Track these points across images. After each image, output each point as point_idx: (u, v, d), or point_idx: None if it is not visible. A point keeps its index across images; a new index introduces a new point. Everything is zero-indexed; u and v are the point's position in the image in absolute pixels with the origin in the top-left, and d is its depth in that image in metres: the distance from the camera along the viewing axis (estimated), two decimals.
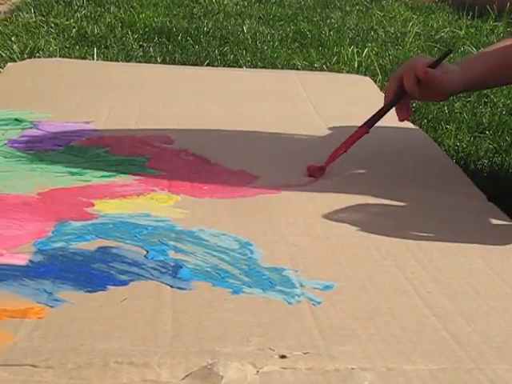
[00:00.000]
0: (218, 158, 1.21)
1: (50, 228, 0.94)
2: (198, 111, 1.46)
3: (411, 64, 1.19)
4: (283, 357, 0.71)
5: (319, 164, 1.17)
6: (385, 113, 1.20)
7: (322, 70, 2.00)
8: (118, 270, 0.85)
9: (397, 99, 1.18)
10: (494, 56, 1.27)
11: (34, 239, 0.90)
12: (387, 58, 2.16)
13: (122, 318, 0.75)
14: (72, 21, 2.40)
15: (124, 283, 0.82)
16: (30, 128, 1.29)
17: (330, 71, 1.98)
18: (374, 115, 1.20)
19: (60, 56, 1.97)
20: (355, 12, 2.92)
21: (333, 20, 2.71)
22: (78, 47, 2.09)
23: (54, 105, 1.43)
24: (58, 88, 1.56)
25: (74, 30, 2.27)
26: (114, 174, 1.12)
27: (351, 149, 1.17)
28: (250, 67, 1.98)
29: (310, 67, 2.03)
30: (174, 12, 2.66)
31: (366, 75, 1.91)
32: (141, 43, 2.20)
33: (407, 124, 1.45)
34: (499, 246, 0.97)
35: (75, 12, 2.53)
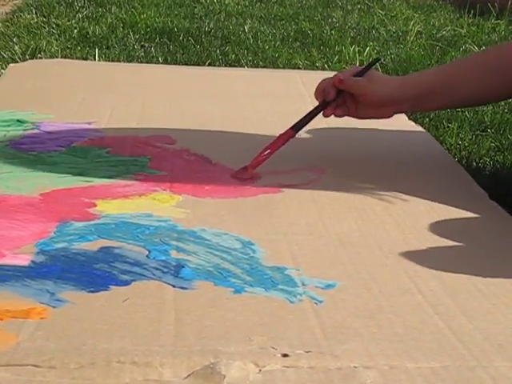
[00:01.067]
0: (220, 157, 1.21)
1: (52, 228, 0.94)
2: (200, 111, 1.46)
3: (337, 74, 1.19)
4: (285, 355, 0.71)
5: (243, 166, 1.15)
6: (312, 118, 1.20)
7: (323, 69, 2.00)
8: (120, 270, 0.85)
9: (320, 109, 1.19)
10: (454, 64, 1.25)
11: (36, 240, 0.91)
12: (389, 57, 2.16)
13: (124, 317, 0.75)
14: (73, 21, 2.40)
15: (126, 283, 0.82)
16: (32, 129, 1.30)
17: (332, 70, 1.97)
18: (301, 119, 1.19)
19: (62, 57, 1.97)
20: (356, 11, 2.92)
21: (334, 19, 2.71)
22: (79, 48, 2.10)
23: (55, 106, 1.43)
24: (60, 89, 1.56)
25: (76, 30, 2.28)
26: (116, 174, 1.12)
27: (347, 149, 1.16)
28: (252, 67, 1.99)
29: (312, 66, 2.03)
30: (176, 12, 2.66)
31: None
32: (142, 43, 2.20)
33: (409, 122, 1.45)
34: (501, 245, 0.97)
35: (77, 13, 2.54)
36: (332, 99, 1.17)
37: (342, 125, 1.40)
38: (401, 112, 1.26)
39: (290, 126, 1.18)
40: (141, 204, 1.03)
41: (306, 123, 1.19)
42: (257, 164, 1.14)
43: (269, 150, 1.15)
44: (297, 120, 1.19)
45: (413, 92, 1.17)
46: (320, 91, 1.19)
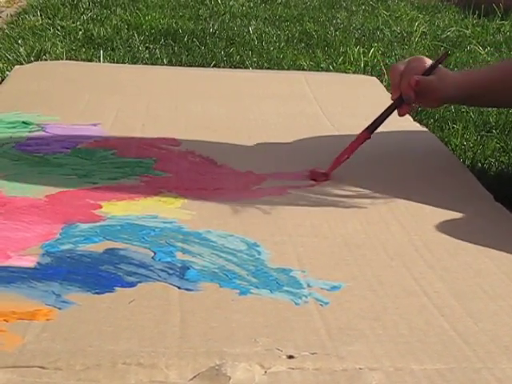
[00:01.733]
0: (225, 159, 1.21)
1: (57, 230, 0.94)
2: (205, 113, 1.46)
3: (409, 69, 1.19)
4: (291, 357, 0.71)
5: (322, 170, 1.16)
6: (386, 117, 1.20)
7: (328, 70, 2.00)
8: (125, 271, 0.85)
9: (396, 106, 1.20)
10: (498, 68, 1.28)
11: (41, 241, 0.91)
12: (393, 58, 2.16)
13: (129, 319, 0.75)
14: (78, 23, 2.40)
15: (132, 285, 0.82)
16: (38, 131, 1.30)
17: (336, 71, 1.98)
18: (375, 120, 1.20)
19: (66, 58, 1.97)
20: (361, 12, 2.92)
21: (339, 20, 2.71)
22: (84, 49, 2.10)
23: (61, 107, 1.44)
24: (65, 90, 1.56)
25: (81, 32, 2.28)
26: (122, 175, 1.13)
27: (355, 153, 1.17)
28: (257, 68, 1.99)
29: (316, 68, 2.03)
30: (180, 13, 2.66)
31: (372, 75, 1.91)
32: (147, 45, 2.20)
33: (413, 124, 1.45)
34: (507, 246, 0.97)
35: (81, 14, 2.54)
36: (412, 100, 1.19)
37: (347, 126, 1.40)
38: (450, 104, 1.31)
39: (365, 128, 1.19)
40: (146, 205, 1.03)
41: (381, 123, 1.20)
42: (334, 169, 1.16)
43: (346, 156, 1.17)
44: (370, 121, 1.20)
45: (467, 93, 1.22)
46: (396, 87, 1.20)
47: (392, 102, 1.21)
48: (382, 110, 1.21)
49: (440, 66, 1.21)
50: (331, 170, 1.16)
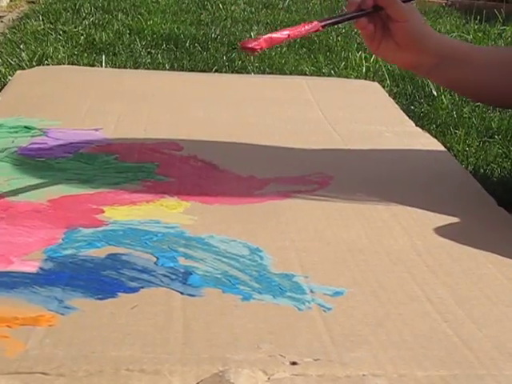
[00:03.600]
0: (227, 164, 1.21)
1: (60, 235, 0.94)
2: (207, 118, 1.46)
3: None
4: (294, 363, 0.70)
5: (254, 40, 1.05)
6: (344, 21, 1.16)
7: (330, 75, 2.00)
8: (128, 276, 0.85)
9: (356, 15, 1.12)
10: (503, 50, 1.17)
11: (44, 246, 0.91)
12: (396, 64, 2.15)
13: (132, 325, 0.75)
14: (80, 28, 2.41)
15: (134, 290, 0.82)
16: (40, 135, 1.30)
17: (338, 77, 1.98)
18: (332, 17, 1.14)
19: (68, 63, 1.97)
20: None
21: (340, 25, 2.71)
22: (86, 54, 2.10)
23: (63, 112, 1.44)
24: (67, 95, 1.56)
25: (83, 37, 2.28)
26: (124, 180, 1.13)
27: (354, 155, 1.14)
28: (258, 73, 1.99)
29: (318, 73, 2.03)
30: (182, 18, 2.67)
31: (374, 80, 1.91)
32: (149, 50, 2.20)
33: (416, 129, 1.45)
34: (510, 251, 0.97)
35: (83, 19, 2.54)
36: (368, 9, 1.10)
37: (349, 131, 1.40)
38: (417, 71, 1.19)
39: (321, 20, 1.11)
40: (148, 210, 1.03)
41: (336, 23, 1.14)
42: (270, 40, 1.06)
43: (288, 32, 1.08)
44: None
45: (437, 48, 1.12)
46: (353, 3, 1.11)
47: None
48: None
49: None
50: (266, 42, 1.05)
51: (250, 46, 1.03)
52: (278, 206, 1.07)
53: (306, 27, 1.09)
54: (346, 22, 1.16)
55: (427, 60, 1.13)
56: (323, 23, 1.11)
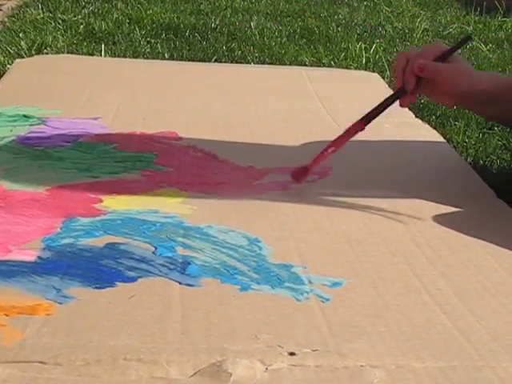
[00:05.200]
0: (226, 154, 1.21)
1: (58, 224, 0.94)
2: (206, 107, 1.46)
3: (419, 53, 1.07)
4: (292, 354, 0.70)
5: (302, 165, 1.09)
6: (385, 108, 1.09)
7: (329, 66, 2.00)
8: (126, 266, 0.84)
9: (398, 96, 1.09)
10: None
11: (42, 235, 0.90)
12: (395, 54, 2.15)
13: (130, 314, 0.75)
14: (79, 17, 2.40)
15: (132, 280, 0.82)
16: (38, 124, 1.29)
17: (338, 67, 1.97)
18: (372, 110, 1.09)
19: (68, 52, 1.97)
20: (363, 8, 2.92)
21: (340, 16, 2.71)
22: (85, 43, 2.09)
23: (62, 101, 1.43)
24: (66, 84, 1.56)
25: (82, 26, 2.27)
26: (123, 170, 1.12)
27: (354, 147, 1.12)
28: (258, 63, 1.98)
29: (318, 63, 2.02)
30: (182, 8, 2.66)
31: (373, 71, 1.91)
32: (148, 39, 2.20)
33: (415, 120, 1.45)
34: (509, 243, 0.96)
35: (83, 8, 2.53)
36: (412, 89, 1.07)
37: (349, 121, 1.40)
38: (464, 107, 1.19)
39: (359, 118, 1.07)
40: (147, 200, 1.03)
41: (378, 114, 1.09)
42: (318, 162, 1.07)
43: (333, 148, 1.07)
44: (366, 112, 1.09)
45: (484, 88, 1.09)
46: (400, 74, 1.07)
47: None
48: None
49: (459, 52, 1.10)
50: (314, 165, 1.08)
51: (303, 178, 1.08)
52: (277, 197, 1.06)
53: (350, 132, 1.07)
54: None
55: (474, 104, 1.13)
56: (366, 119, 1.08)
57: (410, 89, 1.07)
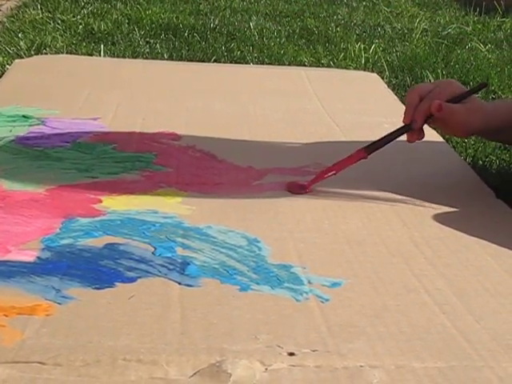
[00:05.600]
0: (226, 154, 1.21)
1: (57, 224, 0.94)
2: (205, 108, 1.46)
3: (434, 92, 1.09)
4: (292, 354, 0.70)
5: (301, 182, 1.10)
6: (390, 141, 1.11)
7: (329, 66, 2.00)
8: (125, 266, 0.84)
9: (402, 133, 1.10)
10: None
11: (41, 236, 0.90)
12: (394, 55, 2.15)
13: (129, 315, 0.75)
14: (79, 17, 2.40)
15: (132, 280, 0.82)
16: (38, 124, 1.29)
17: (337, 68, 1.97)
18: (376, 141, 1.11)
19: (67, 52, 1.96)
20: (362, 8, 2.92)
21: (339, 16, 2.71)
22: (84, 44, 2.09)
23: (61, 101, 1.43)
24: (65, 84, 1.56)
25: (81, 26, 2.27)
26: (122, 170, 1.12)
27: (352, 147, 1.13)
28: (257, 64, 1.98)
29: (317, 63, 2.02)
30: (181, 8, 2.66)
31: (373, 71, 1.91)
32: (147, 39, 2.19)
33: None
34: (508, 243, 0.97)
35: (82, 8, 2.53)
36: (419, 128, 1.09)
37: (348, 122, 1.40)
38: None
39: (363, 147, 1.10)
40: (146, 200, 1.03)
41: (382, 146, 1.10)
42: (316, 182, 1.09)
43: (334, 172, 1.08)
44: (372, 141, 1.11)
45: (500, 120, 1.12)
46: (410, 111, 1.09)
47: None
48: (389, 132, 1.12)
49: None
50: (311, 184, 1.09)
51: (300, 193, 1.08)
52: (276, 197, 1.07)
53: (352, 159, 1.09)
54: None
55: (489, 135, 1.18)
56: (369, 149, 1.09)
57: (416, 128, 1.09)
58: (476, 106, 1.10)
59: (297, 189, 1.09)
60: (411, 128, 1.09)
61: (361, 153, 1.09)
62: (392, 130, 1.11)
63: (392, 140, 1.11)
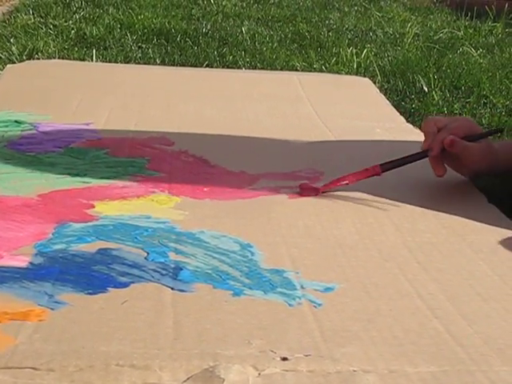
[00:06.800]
0: (218, 159, 1.21)
1: (50, 230, 0.93)
2: (198, 112, 1.46)
3: (453, 126, 1.12)
4: (285, 359, 0.70)
5: (315, 185, 1.11)
6: (408, 163, 1.14)
7: (321, 71, 2.00)
8: (118, 271, 0.84)
9: (419, 158, 1.13)
10: None
11: (34, 241, 0.90)
12: (386, 59, 2.16)
13: (122, 320, 0.75)
14: (71, 22, 2.40)
15: (124, 285, 0.82)
16: (30, 130, 1.29)
17: (329, 72, 1.98)
18: (395, 160, 1.14)
19: (59, 57, 1.96)
20: (353, 13, 2.92)
21: (331, 21, 2.71)
22: (76, 48, 2.09)
23: (53, 106, 1.43)
24: (58, 89, 1.55)
25: (73, 31, 2.27)
26: (114, 175, 1.12)
27: (345, 151, 1.14)
28: (249, 68, 1.98)
29: (309, 68, 2.03)
30: (173, 13, 2.66)
31: (365, 76, 1.91)
32: (140, 44, 2.20)
33: (407, 126, 1.45)
34: (500, 248, 0.97)
35: (74, 13, 2.53)
36: (435, 155, 1.12)
37: (340, 126, 1.40)
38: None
39: (379, 163, 1.12)
40: (139, 205, 1.03)
41: (397, 166, 1.13)
42: (329, 187, 1.10)
43: (347, 181, 1.10)
44: (386, 160, 1.13)
45: (506, 167, 1.16)
46: (429, 138, 1.12)
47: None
48: (408, 154, 1.14)
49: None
50: (324, 189, 1.10)
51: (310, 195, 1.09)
52: (269, 202, 1.07)
53: (367, 173, 1.11)
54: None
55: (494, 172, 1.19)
56: (384, 167, 1.12)
57: (433, 155, 1.12)
58: (488, 148, 1.14)
59: (309, 190, 1.10)
60: (427, 154, 1.12)
61: (376, 168, 1.12)
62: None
63: (408, 163, 1.14)
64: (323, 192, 1.10)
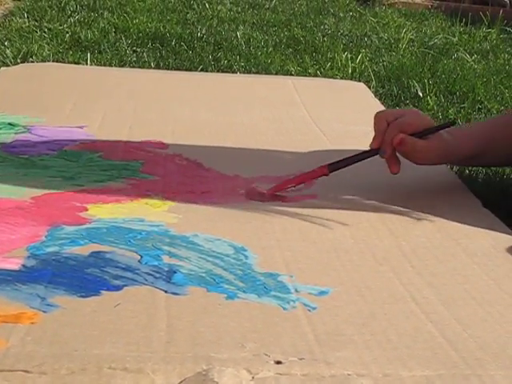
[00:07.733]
0: (212, 162, 1.21)
1: (43, 232, 0.93)
2: (192, 116, 1.46)
3: (400, 122, 1.10)
4: (279, 362, 0.70)
5: (260, 189, 1.10)
6: (354, 162, 1.12)
7: (315, 75, 2.00)
8: (111, 274, 0.84)
9: (368, 156, 1.12)
10: (491, 126, 1.19)
11: (27, 243, 0.90)
12: (381, 64, 2.16)
13: (115, 323, 0.75)
14: (65, 26, 2.39)
15: (118, 288, 0.81)
16: (24, 132, 1.29)
17: (324, 77, 1.98)
18: (341, 160, 1.12)
19: (53, 61, 1.96)
20: (349, 18, 2.93)
21: (326, 26, 2.71)
22: (71, 52, 2.09)
23: (47, 109, 1.43)
24: (52, 93, 1.55)
25: (68, 35, 2.27)
26: (108, 178, 1.12)
27: (340, 156, 1.14)
28: (244, 73, 1.98)
29: (304, 73, 2.03)
30: (168, 17, 2.66)
31: (359, 81, 1.91)
32: (134, 48, 2.19)
33: None
34: (494, 252, 0.97)
35: (68, 17, 2.53)
36: (388, 157, 1.11)
37: (335, 131, 1.40)
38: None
39: (326, 163, 1.11)
40: (133, 209, 1.02)
41: (345, 166, 1.11)
42: (276, 191, 1.09)
43: (293, 184, 1.09)
44: (334, 160, 1.12)
45: (462, 155, 1.15)
46: (379, 136, 1.10)
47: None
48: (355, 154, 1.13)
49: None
50: (271, 193, 1.09)
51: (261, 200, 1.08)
52: (264, 205, 1.06)
53: (314, 174, 1.11)
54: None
55: (456, 162, 1.23)
56: (331, 167, 1.10)
57: (385, 157, 1.11)
58: (437, 143, 1.11)
59: (256, 196, 1.09)
60: (379, 155, 1.11)
61: (324, 169, 1.10)
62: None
63: (357, 161, 1.12)
64: (269, 196, 1.08)
